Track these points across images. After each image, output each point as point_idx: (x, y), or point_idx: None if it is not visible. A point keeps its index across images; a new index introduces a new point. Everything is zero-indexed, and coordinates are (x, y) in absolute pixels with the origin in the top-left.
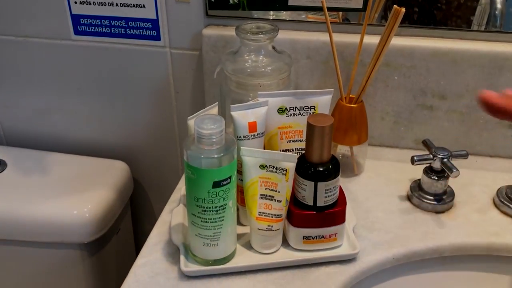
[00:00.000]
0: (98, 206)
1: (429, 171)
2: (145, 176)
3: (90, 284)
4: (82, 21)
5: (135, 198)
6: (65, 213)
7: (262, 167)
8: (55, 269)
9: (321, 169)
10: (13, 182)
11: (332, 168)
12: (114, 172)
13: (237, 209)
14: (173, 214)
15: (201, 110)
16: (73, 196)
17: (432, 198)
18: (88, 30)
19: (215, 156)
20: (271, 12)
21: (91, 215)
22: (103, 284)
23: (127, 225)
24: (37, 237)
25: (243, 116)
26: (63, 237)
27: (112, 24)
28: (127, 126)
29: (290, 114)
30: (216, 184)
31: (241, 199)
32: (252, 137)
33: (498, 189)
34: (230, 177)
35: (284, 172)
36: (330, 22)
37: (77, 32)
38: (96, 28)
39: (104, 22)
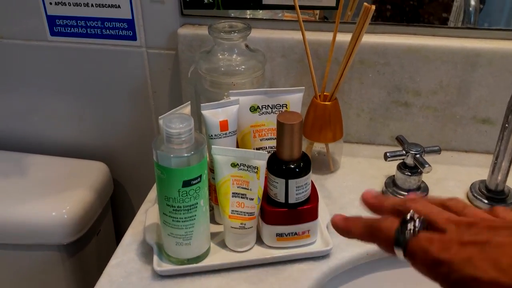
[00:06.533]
0: (77, 207)
1: (402, 167)
2: (125, 177)
3: (70, 286)
4: (58, 22)
5: (116, 199)
6: (43, 215)
7: (234, 165)
8: (35, 271)
9: (292, 166)
10: None
11: (303, 165)
12: (93, 173)
13: (212, 208)
14: (147, 214)
15: (173, 110)
16: (51, 197)
17: (406, 193)
18: (64, 31)
19: (185, 155)
20: (248, 12)
21: (69, 216)
22: (84, 286)
23: (108, 226)
24: (15, 239)
25: (214, 114)
26: (42, 239)
27: (88, 24)
28: (105, 127)
29: (263, 112)
30: (186, 184)
31: (215, 198)
32: (224, 135)
33: (472, 184)
34: (200, 176)
35: (255, 170)
36: (307, 21)
37: (53, 33)
38: (72, 28)
39: (80, 23)
